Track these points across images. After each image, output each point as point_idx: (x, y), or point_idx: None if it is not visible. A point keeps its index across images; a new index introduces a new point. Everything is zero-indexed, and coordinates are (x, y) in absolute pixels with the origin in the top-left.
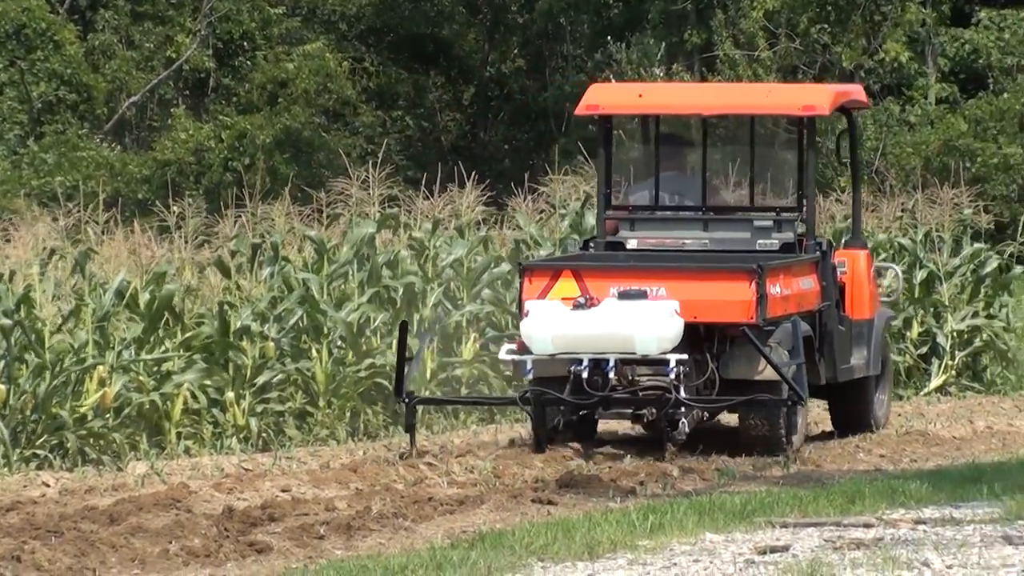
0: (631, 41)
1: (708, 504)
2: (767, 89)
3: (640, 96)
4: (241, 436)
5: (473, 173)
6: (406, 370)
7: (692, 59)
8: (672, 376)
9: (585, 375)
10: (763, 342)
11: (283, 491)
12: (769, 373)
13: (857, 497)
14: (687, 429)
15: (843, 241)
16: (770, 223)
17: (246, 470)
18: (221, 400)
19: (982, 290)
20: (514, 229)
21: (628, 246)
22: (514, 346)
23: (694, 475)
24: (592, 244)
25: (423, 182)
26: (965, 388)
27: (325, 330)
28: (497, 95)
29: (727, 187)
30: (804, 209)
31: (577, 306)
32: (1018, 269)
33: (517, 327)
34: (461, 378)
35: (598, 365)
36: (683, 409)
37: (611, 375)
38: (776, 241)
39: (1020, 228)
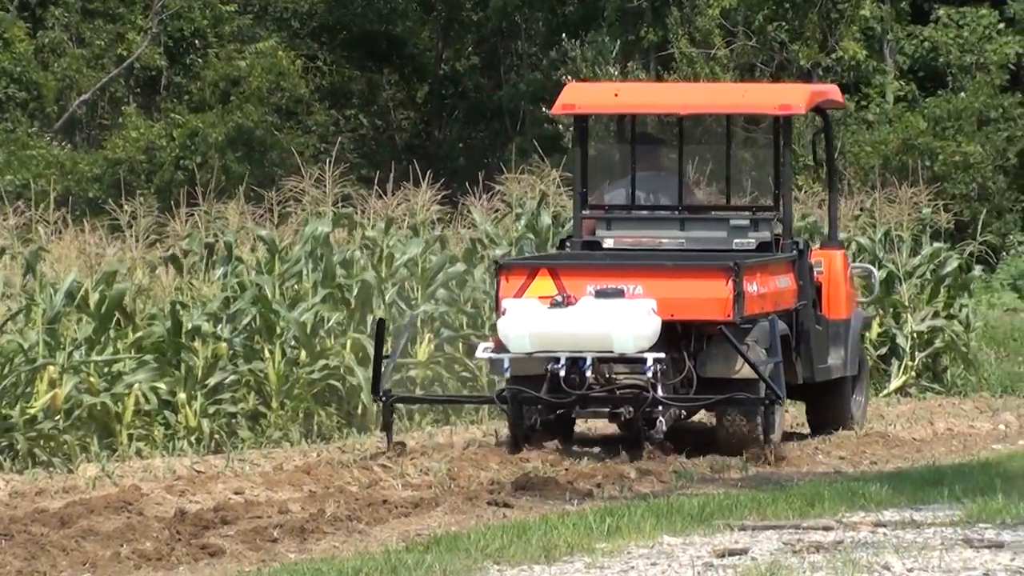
0: (586, 39)
1: (666, 507)
2: (743, 89)
3: (616, 95)
4: (193, 438)
5: (428, 172)
6: (383, 368)
7: (648, 57)
8: (649, 374)
9: (562, 373)
10: (740, 340)
11: (236, 493)
12: (747, 372)
13: (816, 500)
14: (665, 428)
15: (819, 242)
16: (746, 222)
17: (198, 472)
18: (173, 401)
19: (942, 290)
20: (469, 228)
21: (605, 245)
22: (491, 345)
23: (652, 477)
24: (569, 243)
25: (377, 181)
26: (925, 389)
27: (278, 330)
28: (452, 93)
29: (703, 186)
30: (781, 208)
31: (554, 304)
32: (978, 269)
33: (474, 327)
34: (416, 379)
35: (575, 364)
36: (660, 408)
37: (588, 373)
38: (753, 240)
39: (980, 227)
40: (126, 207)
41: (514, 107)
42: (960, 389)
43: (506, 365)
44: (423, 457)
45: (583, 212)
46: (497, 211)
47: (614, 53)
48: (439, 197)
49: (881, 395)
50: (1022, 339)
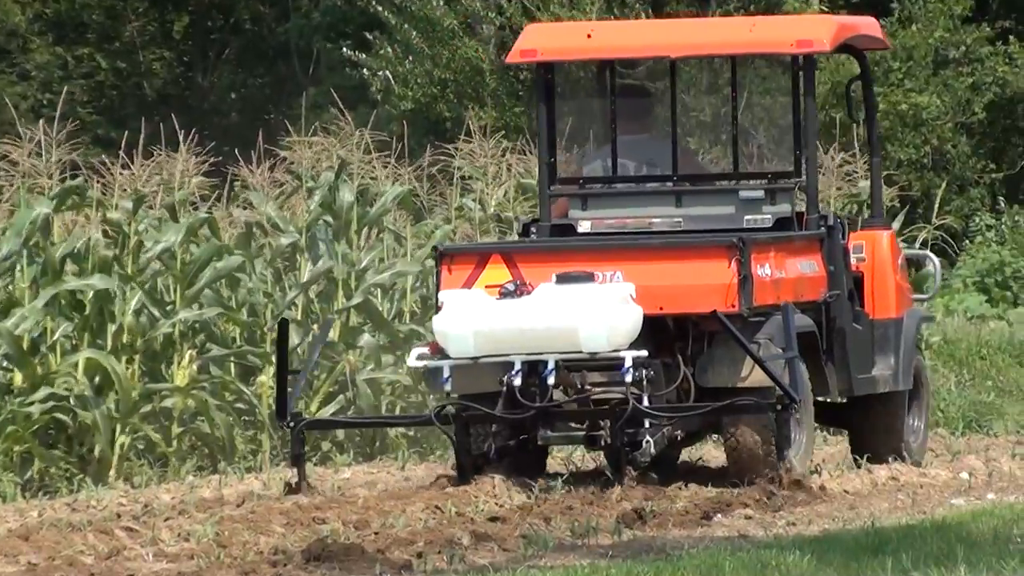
0: None
1: None
2: (751, 22)
3: (589, 36)
4: None
5: (191, 132)
6: (289, 386)
7: None
8: (629, 378)
9: (517, 383)
10: (749, 338)
11: None
12: (758, 378)
13: (715, 574)
14: (653, 450)
15: (860, 220)
16: (760, 193)
17: None
18: None
19: None
20: (245, 208)
21: (580, 229)
22: (426, 349)
23: (491, 544)
24: (534, 229)
25: (121, 144)
26: None
27: None
28: (220, 26)
29: (704, 151)
30: (804, 174)
31: (504, 294)
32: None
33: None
34: (172, 411)
35: (534, 369)
36: (647, 424)
37: (550, 381)
38: (768, 216)
39: (936, 207)
40: None
41: (305, 45)
42: None
43: (446, 375)
44: (182, 517)
45: (551, 188)
46: (282, 186)
47: None
48: (205, 167)
49: None
50: (992, 357)
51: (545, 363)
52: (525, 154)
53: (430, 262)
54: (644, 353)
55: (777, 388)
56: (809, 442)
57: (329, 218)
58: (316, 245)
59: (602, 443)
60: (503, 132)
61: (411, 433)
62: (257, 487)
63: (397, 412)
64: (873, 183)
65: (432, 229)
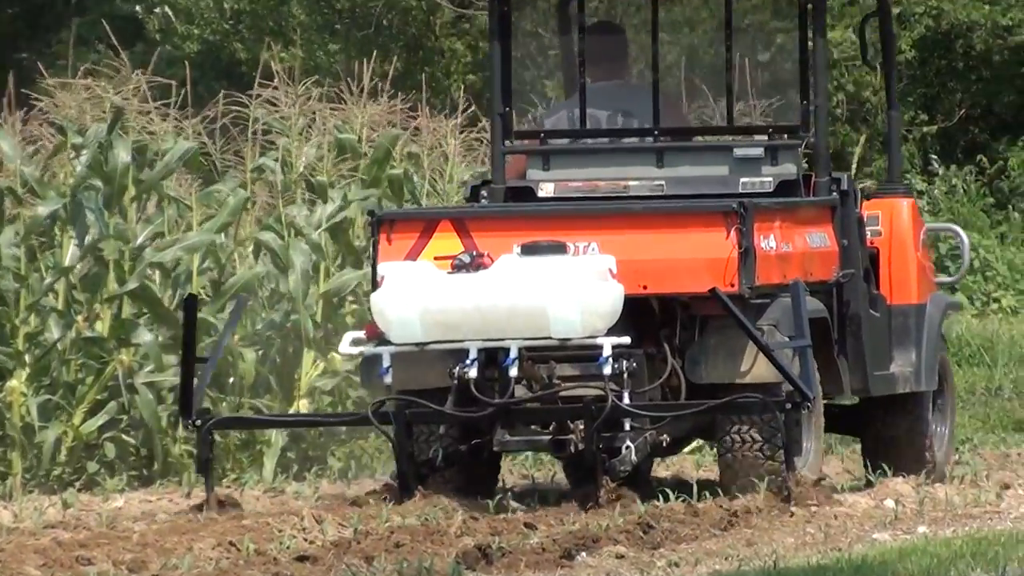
0: None
1: None
2: None
3: None
4: None
5: None
6: (196, 378)
7: None
8: (608, 370)
9: (472, 374)
10: (752, 322)
11: None
12: (761, 372)
13: None
14: (633, 457)
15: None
16: (759, 152)
17: None
18: None
19: None
20: None
21: (541, 193)
22: (361, 333)
23: None
24: (484, 192)
25: None
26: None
27: None
28: None
29: (691, 99)
30: (812, 129)
31: (458, 267)
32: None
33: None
34: None
35: (493, 359)
36: (627, 426)
37: (512, 372)
38: (769, 178)
39: (854, 167)
40: None
41: None
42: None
43: (385, 365)
44: None
45: (506, 144)
46: (36, 141)
47: None
48: None
49: (686, 450)
50: None
51: (506, 351)
52: (342, 102)
53: (222, 237)
54: (626, 340)
55: (785, 384)
56: (818, 450)
57: (98, 182)
58: (82, 216)
59: (571, 449)
60: (314, 76)
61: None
62: (7, 518)
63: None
64: (890, 140)
65: (225, 195)
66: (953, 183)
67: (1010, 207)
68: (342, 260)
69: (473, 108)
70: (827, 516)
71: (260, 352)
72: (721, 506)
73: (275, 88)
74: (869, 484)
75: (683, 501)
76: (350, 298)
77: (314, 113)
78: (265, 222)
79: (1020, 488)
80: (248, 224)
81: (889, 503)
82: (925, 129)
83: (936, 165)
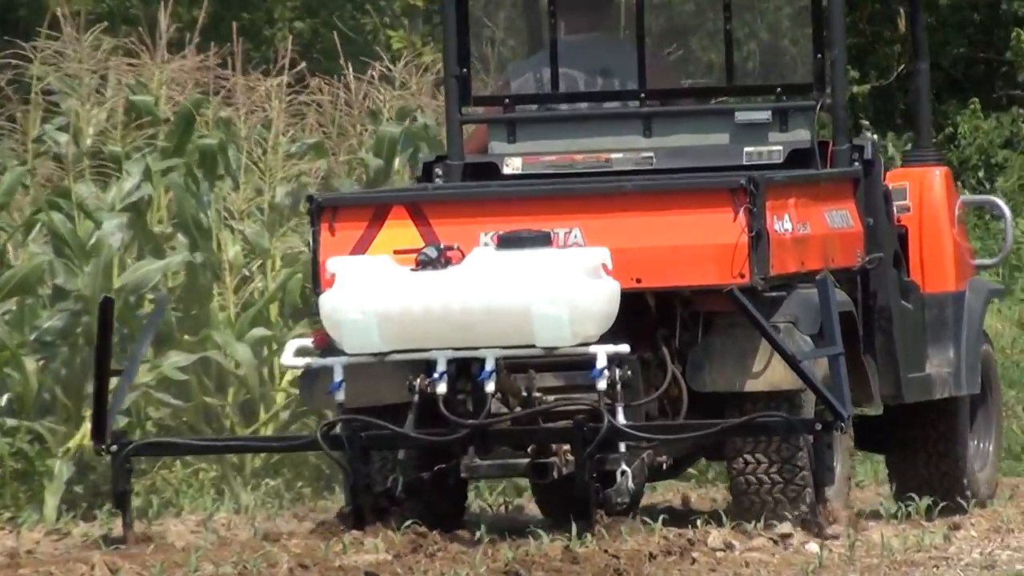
0: None
1: None
2: None
3: None
4: None
5: None
6: (111, 395)
7: None
8: (602, 385)
9: (441, 390)
10: (765, 319)
11: None
12: (778, 378)
13: None
14: (631, 484)
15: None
16: (766, 115)
17: None
18: None
19: None
20: None
21: (506, 169)
22: (308, 342)
23: None
24: (439, 169)
25: None
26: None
27: None
28: None
29: (683, 55)
30: (829, 88)
31: (423, 263)
32: None
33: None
34: None
35: (465, 370)
36: (622, 448)
37: (489, 388)
38: (778, 147)
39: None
40: None
41: None
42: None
43: (338, 379)
44: None
45: (462, 112)
46: None
47: None
48: None
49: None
50: None
51: (482, 363)
52: (137, 56)
53: None
54: (624, 349)
55: (808, 395)
56: (845, 471)
57: None
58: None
59: (554, 474)
60: (106, 23)
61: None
62: None
63: None
64: (919, 98)
65: None
66: (891, 154)
67: (959, 183)
68: (140, 249)
69: (303, 65)
70: (736, 564)
71: (41, 362)
72: (607, 551)
73: (60, 40)
74: (906, 515)
75: (565, 545)
76: (150, 296)
77: (108, 70)
78: (48, 201)
79: (973, 528)
80: (28, 206)
81: (812, 547)
82: (856, 89)
83: (869, 132)
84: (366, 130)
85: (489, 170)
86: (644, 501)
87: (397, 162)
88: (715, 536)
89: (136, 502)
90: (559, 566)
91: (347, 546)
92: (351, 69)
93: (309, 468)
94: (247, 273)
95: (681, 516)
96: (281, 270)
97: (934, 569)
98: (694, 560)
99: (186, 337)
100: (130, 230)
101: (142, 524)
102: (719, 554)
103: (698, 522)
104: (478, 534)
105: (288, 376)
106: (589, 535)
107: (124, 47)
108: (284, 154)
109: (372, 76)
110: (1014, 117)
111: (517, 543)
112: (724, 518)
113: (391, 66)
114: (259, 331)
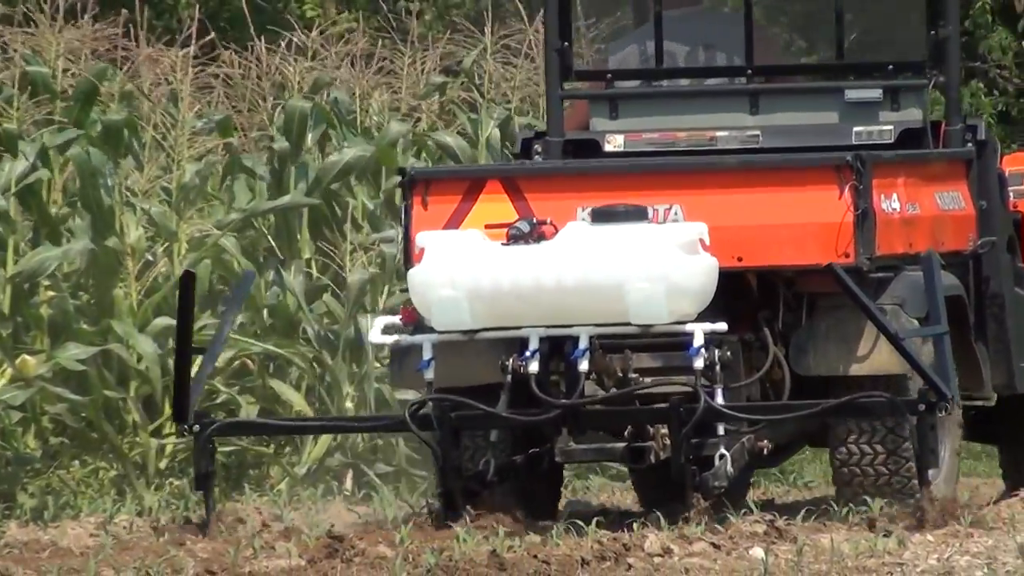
0: None
1: None
2: None
3: None
4: None
5: None
6: (193, 374)
7: None
8: (699, 364)
9: (534, 369)
10: (871, 301)
11: None
12: (884, 362)
13: None
14: (730, 468)
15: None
16: (877, 94)
17: None
18: None
19: None
20: None
21: (608, 146)
22: (396, 319)
23: None
24: (538, 146)
25: None
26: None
27: None
28: None
29: (792, 31)
30: (944, 66)
31: (514, 237)
32: None
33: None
34: None
35: (558, 349)
36: (721, 431)
37: (583, 367)
38: (889, 127)
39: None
40: None
41: None
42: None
43: (427, 357)
44: None
45: (563, 87)
46: None
47: None
48: None
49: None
50: None
51: (575, 340)
52: (33, 24)
53: None
54: (722, 327)
55: (914, 378)
56: (954, 459)
57: None
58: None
59: (651, 459)
60: None
61: None
62: None
63: None
64: None
65: None
66: None
67: None
68: (35, 234)
69: (212, 35)
70: (675, 570)
71: None
72: (536, 556)
73: None
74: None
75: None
76: (46, 282)
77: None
78: None
79: (929, 533)
80: None
81: (757, 552)
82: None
83: None
84: (278, 104)
85: (590, 147)
86: (573, 497)
87: (309, 139)
88: (652, 540)
89: (30, 503)
90: (485, 572)
91: (257, 551)
92: (262, 40)
93: (216, 468)
94: (151, 257)
95: (618, 519)
96: (188, 254)
97: None
98: (630, 566)
99: (85, 326)
100: (26, 213)
101: (37, 527)
102: (656, 560)
103: (635, 525)
104: (399, 537)
105: (196, 366)
106: (518, 539)
107: (16, 16)
108: (190, 131)
109: (284, 47)
110: None
111: (441, 547)
112: (663, 521)
113: (304, 36)
114: (164, 320)
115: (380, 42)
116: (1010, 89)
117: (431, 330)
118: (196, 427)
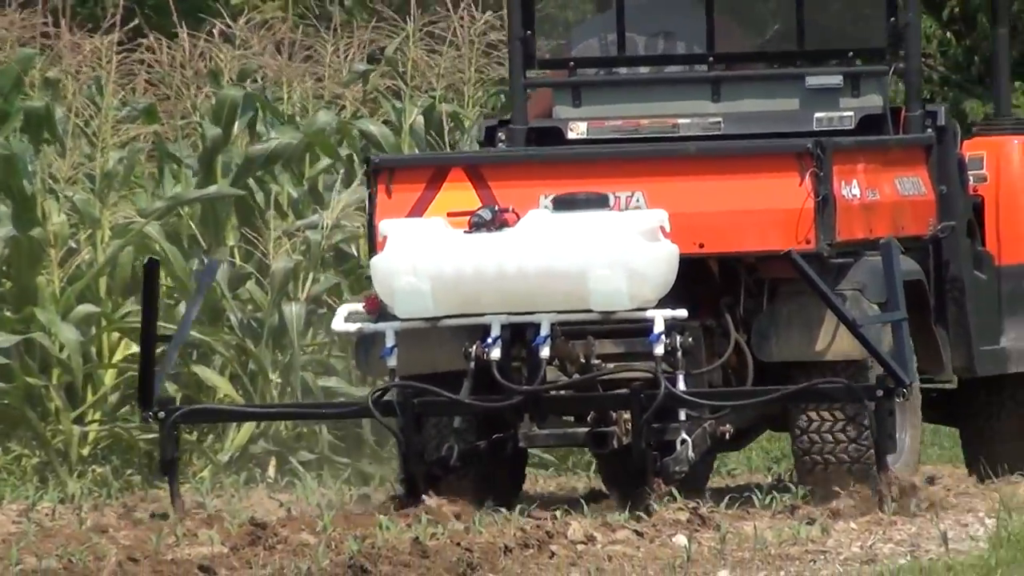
0: None
1: None
2: None
3: None
4: None
5: None
6: (158, 360)
7: None
8: (659, 350)
9: (495, 355)
10: (832, 286)
11: None
12: (845, 347)
13: None
14: (691, 454)
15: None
16: (838, 80)
17: None
18: None
19: None
20: None
21: (571, 134)
22: (360, 307)
23: None
24: (502, 133)
25: None
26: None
27: None
28: None
29: (752, 17)
30: (903, 52)
31: (477, 225)
32: None
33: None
34: None
35: (519, 336)
36: (682, 416)
37: (544, 353)
38: (850, 113)
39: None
40: None
41: None
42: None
43: (389, 344)
44: None
45: (526, 76)
46: None
47: None
48: None
49: None
50: None
51: (537, 327)
52: None
53: None
54: (682, 313)
55: (874, 364)
56: (915, 443)
57: None
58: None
59: (614, 443)
60: None
61: None
62: None
63: None
64: (998, 65)
65: None
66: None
67: None
68: None
69: (138, 20)
70: (598, 558)
71: None
72: (459, 544)
73: None
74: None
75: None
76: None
77: None
78: None
79: (852, 520)
80: None
81: (680, 539)
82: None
83: None
84: (202, 92)
85: (553, 135)
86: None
87: (236, 127)
88: (575, 528)
89: None
90: (407, 560)
91: (180, 538)
92: (185, 27)
93: (138, 455)
94: (74, 245)
95: (540, 506)
96: (111, 241)
97: (810, 564)
98: (553, 554)
99: (8, 314)
100: None
101: None
102: (580, 547)
103: (558, 513)
104: (321, 524)
105: (119, 353)
106: (441, 527)
107: None
108: (114, 118)
109: (207, 34)
110: None
111: (363, 534)
112: (586, 508)
113: (231, 23)
114: (86, 307)
115: (301, 29)
116: (935, 77)
117: (394, 318)
118: (161, 414)
